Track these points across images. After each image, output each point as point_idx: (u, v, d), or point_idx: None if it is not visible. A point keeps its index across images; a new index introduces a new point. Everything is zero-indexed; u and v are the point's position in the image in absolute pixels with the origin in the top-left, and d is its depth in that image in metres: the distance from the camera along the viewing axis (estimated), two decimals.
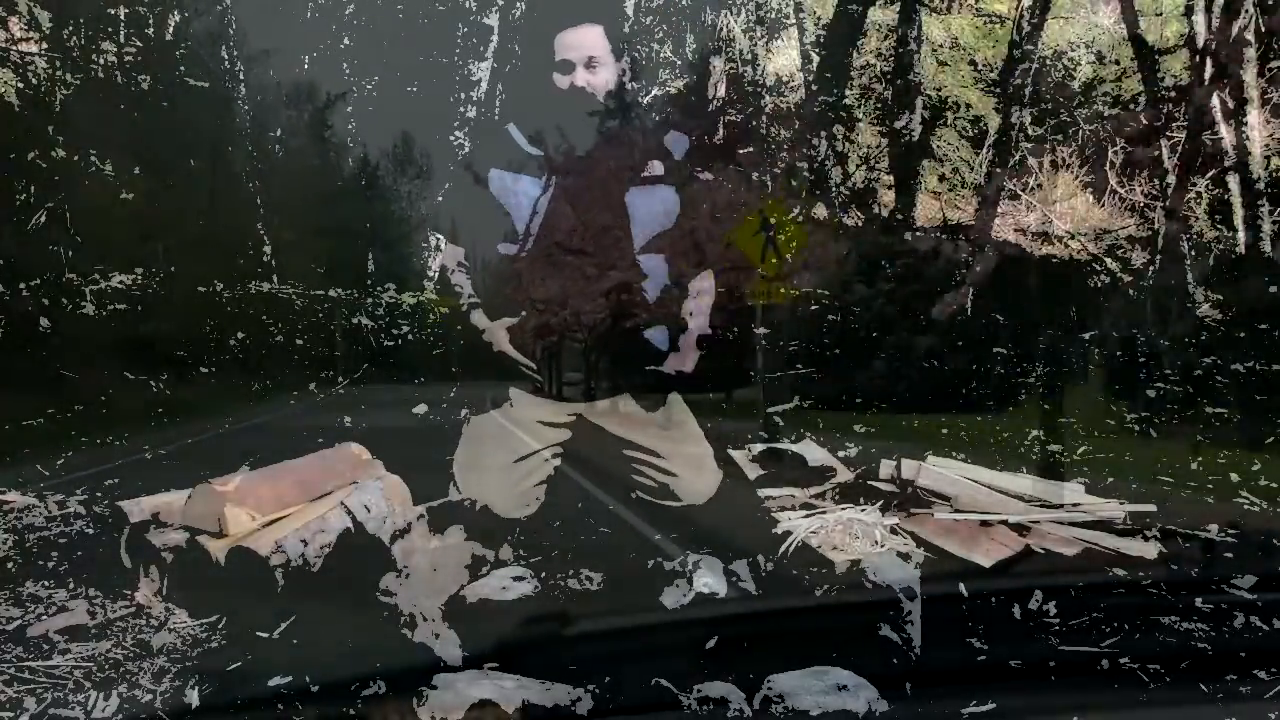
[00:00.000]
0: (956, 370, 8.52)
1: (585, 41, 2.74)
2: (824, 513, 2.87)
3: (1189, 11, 6.53)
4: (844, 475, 3.30)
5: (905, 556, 2.51)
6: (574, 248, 2.82)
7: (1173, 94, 7.07)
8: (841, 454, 3.43)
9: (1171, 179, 6.88)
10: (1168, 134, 6.89)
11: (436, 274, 2.95)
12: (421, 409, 4.49)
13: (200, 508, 2.59)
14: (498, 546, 2.69)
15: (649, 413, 2.94)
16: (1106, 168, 7.86)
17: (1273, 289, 6.06)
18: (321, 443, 3.23)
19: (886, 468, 3.25)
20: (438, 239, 2.99)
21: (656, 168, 2.84)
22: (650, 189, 2.82)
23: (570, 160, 2.82)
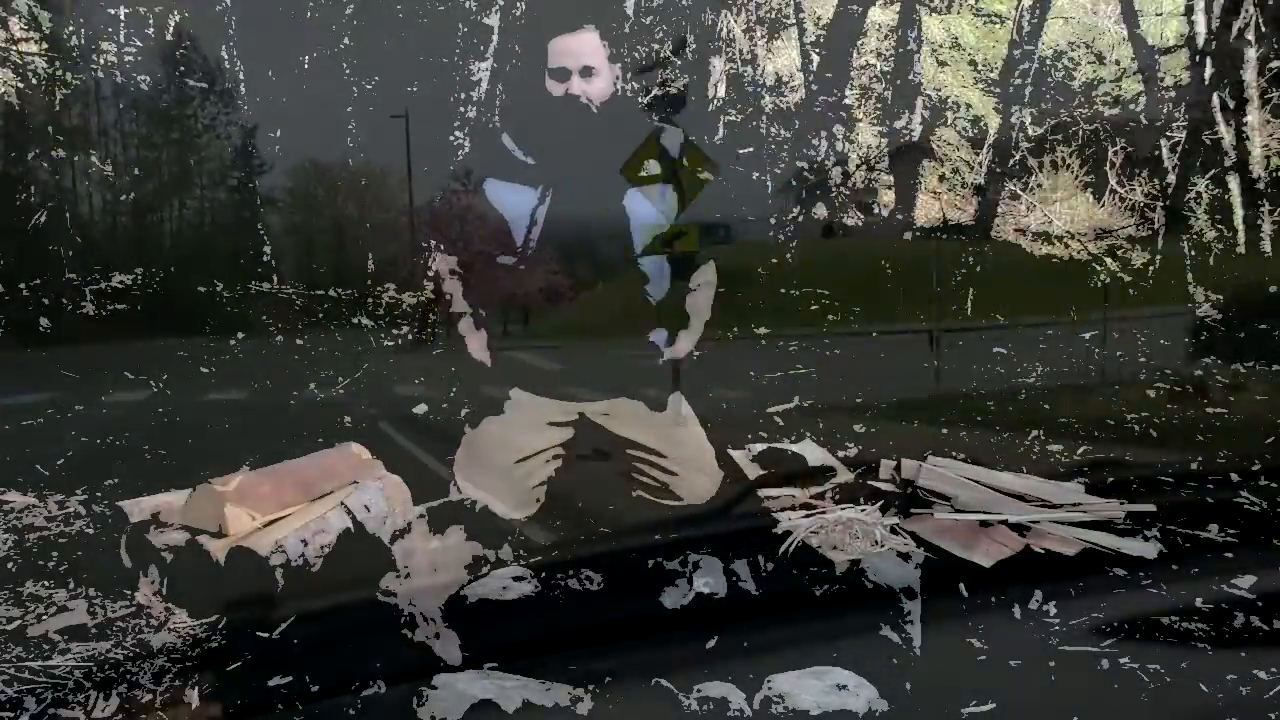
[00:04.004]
0: None
1: (582, 49, 2.70)
2: (824, 513, 2.87)
3: (1189, 11, 6.54)
4: (844, 475, 3.30)
5: (905, 556, 2.51)
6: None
7: (1173, 94, 7.07)
8: (841, 454, 3.43)
9: (1171, 179, 6.89)
10: (1168, 134, 6.90)
11: (433, 276, 2.96)
12: (421, 409, 4.49)
13: (200, 508, 2.59)
14: (498, 546, 2.69)
15: (651, 412, 2.95)
16: (1106, 168, 7.87)
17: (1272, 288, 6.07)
18: (321, 443, 3.23)
19: (886, 468, 3.25)
20: (434, 244, 3.00)
21: (653, 167, 2.84)
22: (647, 189, 2.82)
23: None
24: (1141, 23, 7.12)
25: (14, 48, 3.47)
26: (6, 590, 2.45)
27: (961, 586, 2.08)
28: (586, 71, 2.69)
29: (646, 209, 2.81)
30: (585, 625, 1.95)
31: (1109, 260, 6.06)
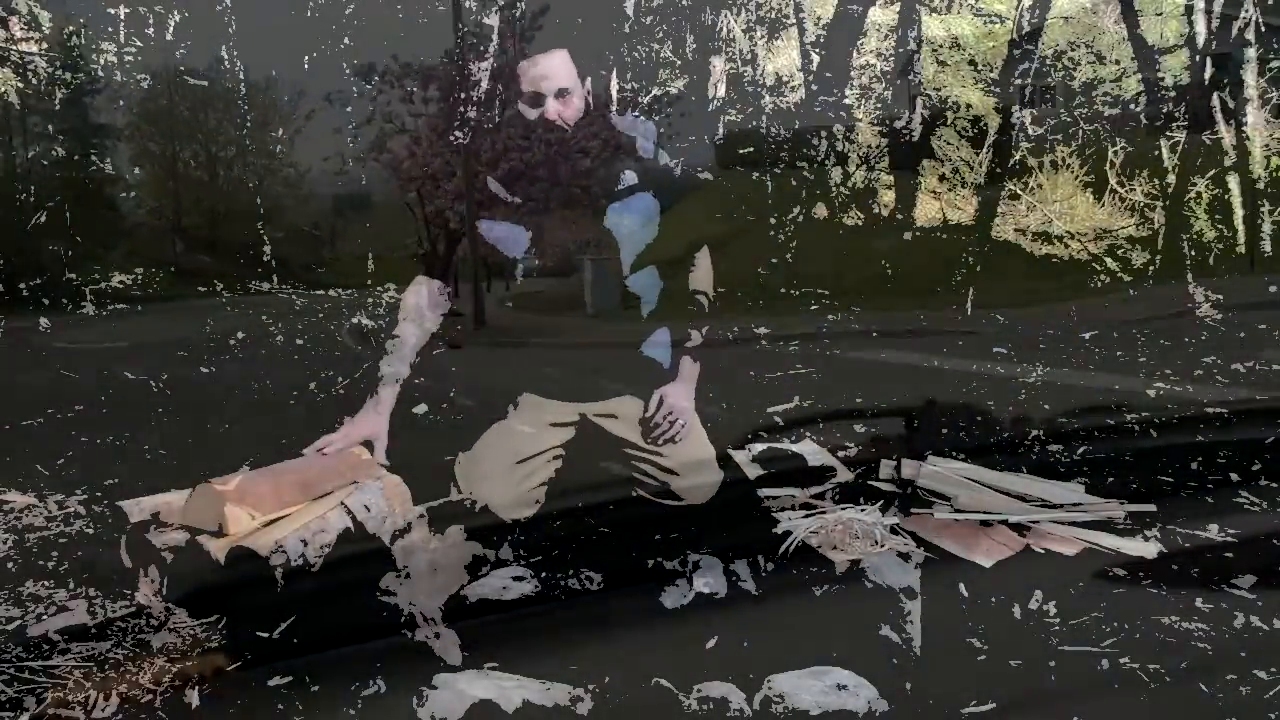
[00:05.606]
0: None
1: (553, 71, 2.66)
2: (824, 513, 2.87)
3: (1189, 11, 6.54)
4: (844, 475, 3.30)
5: (905, 556, 2.51)
6: None
7: (1173, 94, 7.07)
8: (841, 454, 3.43)
9: (1171, 179, 6.89)
10: (1168, 134, 6.90)
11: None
12: (421, 409, 4.49)
13: (200, 508, 2.59)
14: (498, 547, 2.69)
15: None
16: (1106, 168, 7.87)
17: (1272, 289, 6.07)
18: None
19: (886, 468, 3.25)
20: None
21: (630, 178, 2.76)
22: (626, 202, 2.75)
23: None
24: (1141, 23, 7.13)
25: (14, 48, 3.46)
26: (6, 590, 2.45)
27: (961, 586, 2.08)
28: (561, 94, 2.65)
29: (630, 224, 2.76)
30: (585, 625, 1.95)
31: (1109, 260, 6.06)
